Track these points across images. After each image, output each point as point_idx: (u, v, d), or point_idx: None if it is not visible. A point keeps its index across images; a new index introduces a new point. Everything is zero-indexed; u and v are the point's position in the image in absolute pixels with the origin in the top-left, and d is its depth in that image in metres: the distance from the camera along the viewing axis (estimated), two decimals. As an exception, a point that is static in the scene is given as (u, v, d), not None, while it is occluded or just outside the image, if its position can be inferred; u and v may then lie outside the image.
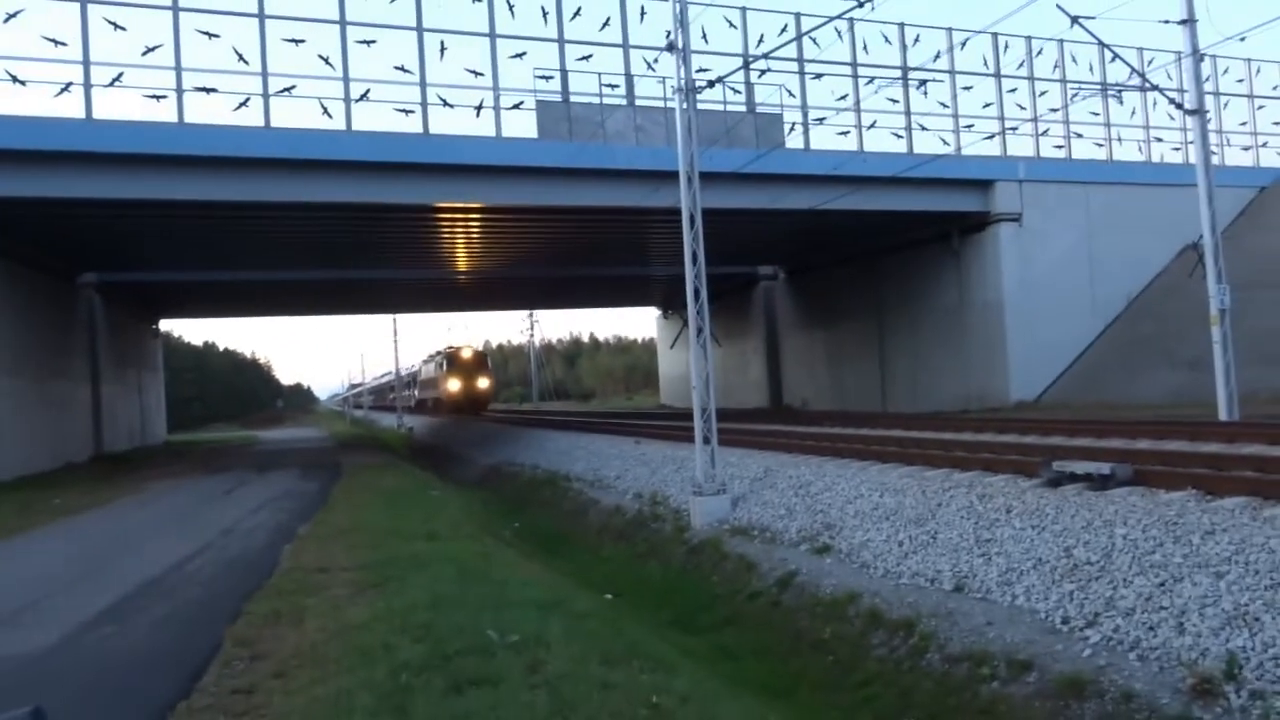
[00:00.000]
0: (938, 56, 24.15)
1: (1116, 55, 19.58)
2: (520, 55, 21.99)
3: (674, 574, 12.06)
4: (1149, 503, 8.33)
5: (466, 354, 53.90)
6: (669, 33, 14.24)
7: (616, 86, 22.52)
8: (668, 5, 14.45)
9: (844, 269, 33.54)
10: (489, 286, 41.06)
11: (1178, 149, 29.46)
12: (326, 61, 20.22)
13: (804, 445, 15.78)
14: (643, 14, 22.79)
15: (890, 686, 7.44)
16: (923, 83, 25.63)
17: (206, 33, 19.42)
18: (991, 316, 26.81)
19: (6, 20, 18.29)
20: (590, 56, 22.39)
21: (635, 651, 6.65)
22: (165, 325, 49.37)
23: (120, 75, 18.63)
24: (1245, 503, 7.82)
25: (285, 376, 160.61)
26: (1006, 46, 27.03)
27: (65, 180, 18.82)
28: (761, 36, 24.33)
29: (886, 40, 25.50)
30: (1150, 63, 25.42)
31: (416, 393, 69.71)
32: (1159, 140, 29.74)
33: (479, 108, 21.45)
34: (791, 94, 24.31)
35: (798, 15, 23.97)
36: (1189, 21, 16.64)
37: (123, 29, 18.91)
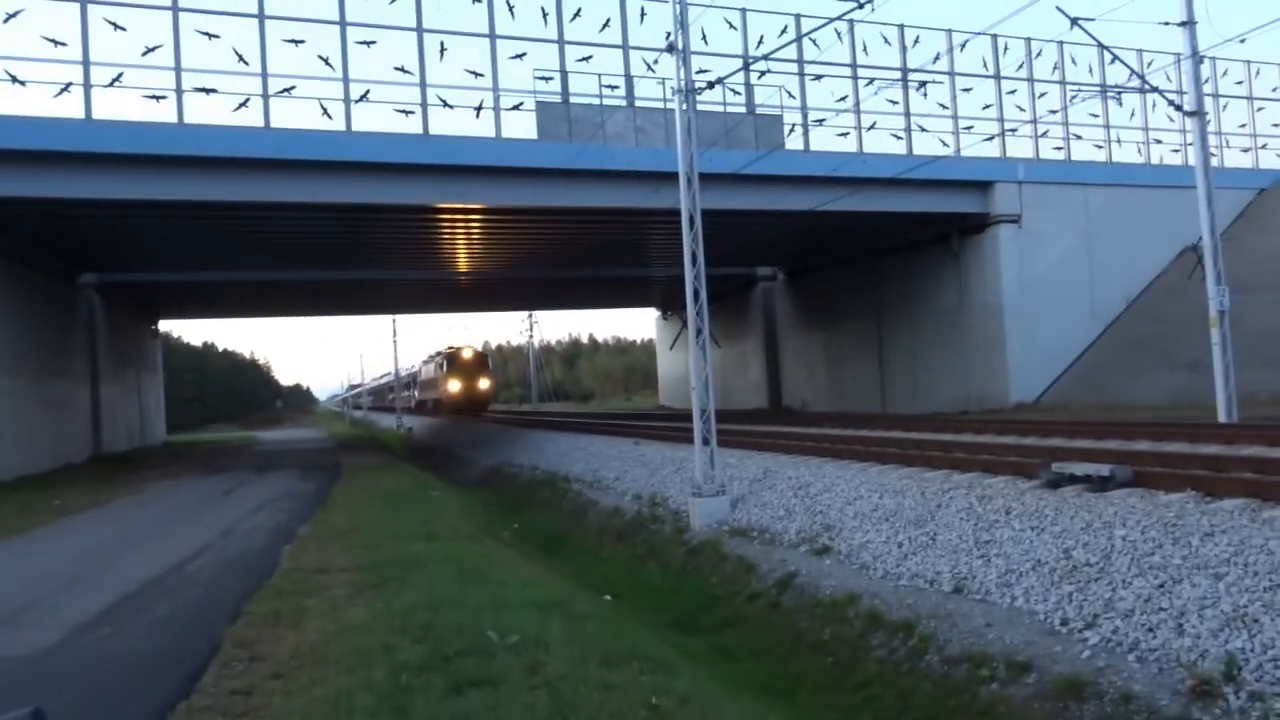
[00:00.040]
0: (937, 58, 24.19)
1: (1116, 57, 19.59)
2: (520, 56, 22.01)
3: (673, 575, 12.05)
4: (1148, 504, 8.33)
5: (467, 354, 53.74)
6: (669, 34, 14.25)
7: (616, 88, 22.56)
8: (667, 6, 14.45)
9: (843, 270, 33.55)
10: (488, 287, 41.08)
11: (1177, 151, 29.51)
12: (326, 62, 20.25)
13: (803, 446, 15.78)
14: (642, 15, 22.84)
15: (890, 688, 7.44)
16: (922, 84, 25.64)
17: (206, 33, 19.44)
18: (991, 318, 26.82)
19: (6, 20, 18.31)
20: (590, 57, 22.43)
21: (635, 653, 6.65)
22: (164, 326, 49.37)
23: (120, 75, 18.65)
24: (1244, 504, 7.82)
25: (284, 377, 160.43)
26: (1006, 48, 27.08)
27: (65, 180, 18.83)
28: (761, 38, 24.40)
29: (886, 42, 25.54)
30: (1150, 64, 25.45)
31: (416, 393, 69.62)
32: (1158, 142, 29.80)
33: (479, 108, 21.48)
34: (791, 95, 24.37)
35: (797, 16, 24.01)
36: (1188, 23, 16.65)
37: (123, 29, 18.93)
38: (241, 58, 19.54)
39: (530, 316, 76.67)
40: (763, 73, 23.63)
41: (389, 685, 5.39)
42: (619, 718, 5.06)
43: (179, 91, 18.93)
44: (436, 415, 55.56)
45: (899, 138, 25.70)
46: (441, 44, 21.06)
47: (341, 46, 20.26)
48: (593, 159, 21.35)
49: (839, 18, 16.78)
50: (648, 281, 37.73)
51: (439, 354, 58.91)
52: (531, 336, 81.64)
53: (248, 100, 19.65)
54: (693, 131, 14.11)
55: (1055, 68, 27.78)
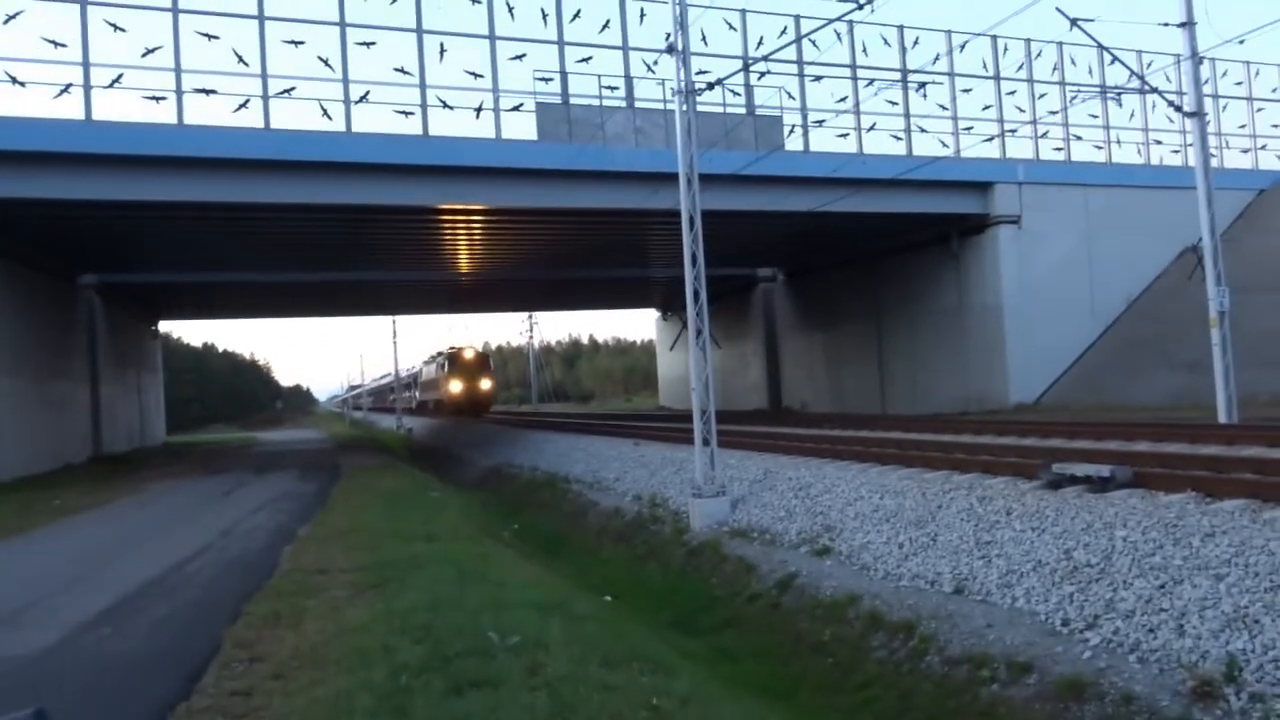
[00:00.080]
0: (937, 59, 24.21)
1: (1116, 58, 19.60)
2: (520, 57, 22.02)
3: (673, 576, 12.04)
4: (1149, 505, 8.33)
5: (469, 354, 53.55)
6: (669, 35, 14.25)
7: (616, 89, 22.57)
8: (667, 7, 14.45)
9: (843, 271, 33.56)
10: (488, 288, 41.09)
11: (1177, 151, 29.52)
12: (326, 63, 20.26)
13: (803, 447, 15.77)
14: (642, 16, 22.85)
15: (890, 689, 7.43)
16: (922, 85, 25.66)
17: (206, 34, 19.46)
18: (991, 319, 26.82)
19: (6, 21, 18.31)
20: (590, 59, 22.44)
21: (635, 653, 6.65)
22: (164, 326, 49.39)
23: (120, 76, 18.65)
24: (1245, 505, 7.82)
25: (284, 378, 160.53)
26: (1006, 49, 27.10)
27: (65, 181, 18.83)
28: (761, 39, 24.42)
29: (886, 43, 25.55)
30: (1149, 65, 25.45)
31: (417, 394, 69.53)
32: (1158, 143, 29.82)
33: (479, 110, 21.49)
34: (791, 96, 24.38)
35: (797, 17, 24.03)
36: (1188, 24, 16.66)
37: (122, 30, 18.93)
38: (241, 59, 19.57)
39: (530, 317, 76.79)
40: (762, 74, 23.66)
41: (389, 686, 5.38)
42: (619, 719, 5.05)
43: (179, 92, 18.94)
44: (437, 416, 55.47)
45: (899, 139, 25.73)
46: (441, 45, 21.09)
47: (341, 47, 20.27)
48: (593, 160, 21.36)
49: (839, 18, 16.82)
50: (648, 282, 37.71)
51: (440, 354, 58.78)
52: (531, 337, 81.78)
53: (248, 101, 19.68)
54: (693, 132, 14.11)
55: (1055, 68, 27.80)
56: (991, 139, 25.64)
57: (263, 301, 41.43)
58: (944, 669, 7.25)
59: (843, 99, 24.94)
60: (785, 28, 24.16)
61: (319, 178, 20.52)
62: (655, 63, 22.57)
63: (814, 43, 23.08)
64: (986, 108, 26.94)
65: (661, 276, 33.13)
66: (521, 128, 38.16)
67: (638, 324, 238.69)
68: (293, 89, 19.94)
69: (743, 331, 41.96)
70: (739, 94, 23.67)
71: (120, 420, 35.07)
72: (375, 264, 32.09)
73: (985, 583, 8.25)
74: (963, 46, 25.25)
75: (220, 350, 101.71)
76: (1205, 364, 17.00)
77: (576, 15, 22.19)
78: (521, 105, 21.87)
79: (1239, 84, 31.19)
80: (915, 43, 25.77)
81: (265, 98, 19.62)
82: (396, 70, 20.87)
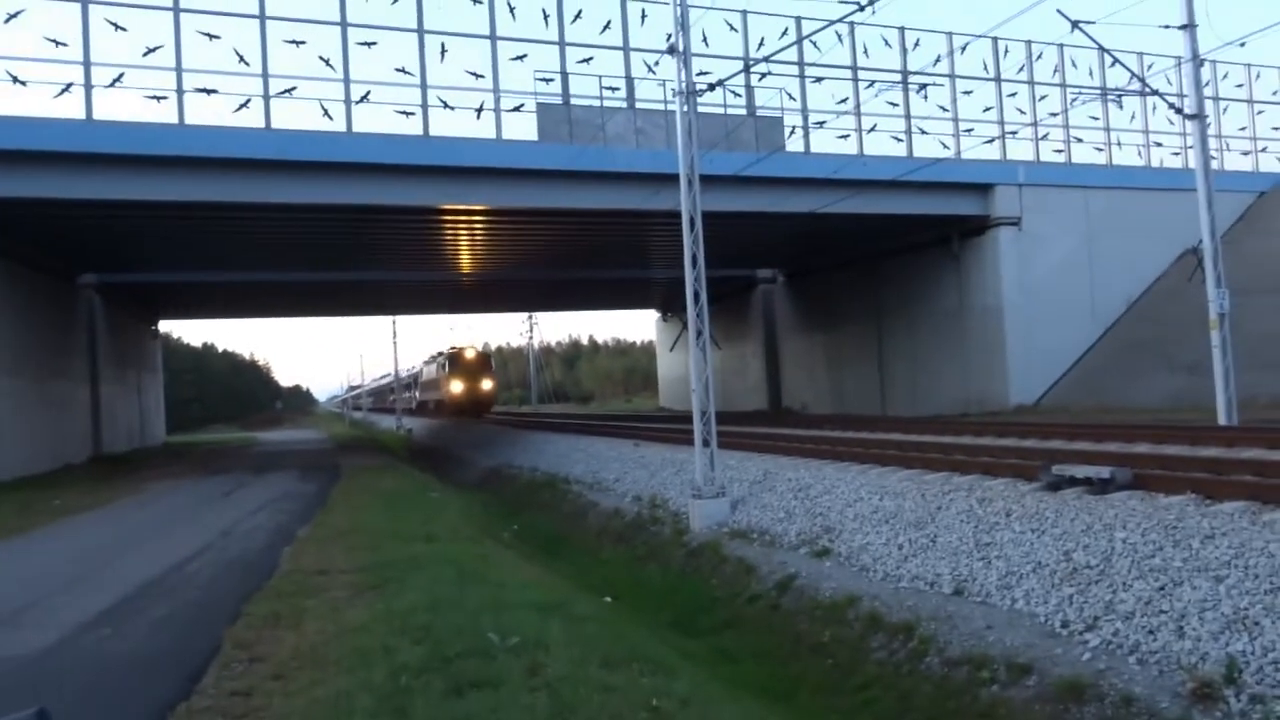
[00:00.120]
0: (938, 60, 24.22)
1: (1116, 60, 19.60)
2: (521, 58, 22.03)
3: (673, 577, 12.05)
4: (1148, 506, 8.33)
5: (470, 355, 53.42)
6: (670, 35, 14.26)
7: (617, 89, 22.57)
8: (668, 8, 14.47)
9: (843, 272, 33.57)
10: (488, 288, 41.09)
11: (1177, 153, 29.53)
12: (327, 63, 20.28)
13: (803, 448, 15.77)
14: (643, 17, 22.86)
15: (890, 690, 7.43)
16: (923, 86, 25.67)
17: (207, 34, 19.46)
18: (991, 320, 26.83)
19: (7, 20, 18.32)
20: (591, 59, 22.46)
21: (635, 654, 6.65)
22: (164, 326, 49.38)
23: (121, 76, 18.66)
24: (1244, 507, 7.82)
25: (284, 378, 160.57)
26: (1006, 51, 27.11)
27: (65, 181, 18.83)
28: (762, 40, 24.42)
29: (887, 44, 25.57)
30: (1150, 67, 25.46)
31: (418, 394, 69.46)
32: (1159, 145, 29.83)
33: (480, 110, 21.49)
34: (792, 97, 24.39)
35: (798, 19, 24.05)
36: (1189, 26, 16.65)
37: (123, 29, 18.94)
38: (242, 58, 19.58)
39: (530, 318, 76.82)
40: (763, 75, 23.66)
41: (389, 686, 5.38)
42: (619, 719, 5.05)
43: (180, 92, 18.95)
44: (438, 416, 55.44)
45: (899, 140, 25.74)
46: (442, 45, 21.10)
47: (342, 47, 20.29)
48: (593, 161, 21.37)
49: (840, 20, 16.80)
50: (648, 283, 37.73)
51: (441, 354, 58.67)
52: (531, 338, 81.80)
53: (249, 101, 19.70)
54: (693, 133, 14.12)
55: (1056, 70, 27.82)
56: (992, 140, 25.65)
57: (262, 301, 41.42)
58: (943, 670, 7.25)
59: (843, 100, 25.00)
60: (786, 29, 24.20)
61: (320, 178, 20.52)
62: (656, 63, 22.61)
63: (815, 44, 23.14)
64: (987, 109, 26.99)
65: (662, 277, 33.16)
66: (522, 128, 38.13)
67: (638, 325, 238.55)
68: (294, 89, 19.97)
69: (743, 332, 41.96)
70: (740, 95, 23.69)
71: (120, 420, 35.08)
72: (376, 264, 32.09)
73: (985, 584, 8.25)
74: (964, 48, 25.28)
75: (220, 350, 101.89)
76: (1205, 366, 17.00)
77: (577, 16, 22.21)
78: (522, 106, 21.90)
79: (1239, 86, 31.23)
80: (916, 44, 25.83)
81: (266, 97, 19.63)
82: (397, 70, 20.90)
